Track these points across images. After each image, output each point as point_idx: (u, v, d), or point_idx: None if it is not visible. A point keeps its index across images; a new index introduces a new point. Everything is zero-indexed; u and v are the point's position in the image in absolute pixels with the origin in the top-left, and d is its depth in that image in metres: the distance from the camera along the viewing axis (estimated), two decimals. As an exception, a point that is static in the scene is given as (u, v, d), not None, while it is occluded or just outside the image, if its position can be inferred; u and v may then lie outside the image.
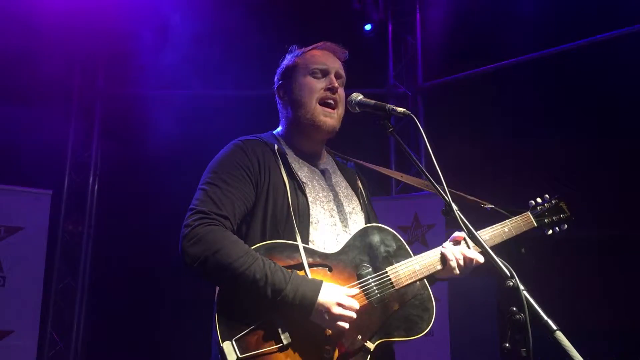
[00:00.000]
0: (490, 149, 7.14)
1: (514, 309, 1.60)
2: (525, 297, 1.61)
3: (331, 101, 2.36)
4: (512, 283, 1.63)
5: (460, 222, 1.86)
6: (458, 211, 1.88)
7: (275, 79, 2.51)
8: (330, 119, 2.35)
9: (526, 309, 1.58)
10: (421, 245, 6.18)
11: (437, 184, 1.95)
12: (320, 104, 2.35)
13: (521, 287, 1.63)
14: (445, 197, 1.93)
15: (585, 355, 1.55)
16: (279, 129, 2.52)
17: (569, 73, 6.67)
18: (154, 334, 6.74)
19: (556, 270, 6.47)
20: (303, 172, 2.35)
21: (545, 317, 1.59)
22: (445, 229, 6.09)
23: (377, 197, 6.71)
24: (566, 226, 2.62)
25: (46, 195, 6.42)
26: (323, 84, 2.37)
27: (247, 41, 6.44)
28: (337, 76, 2.41)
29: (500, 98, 7.00)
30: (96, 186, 7.47)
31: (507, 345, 1.58)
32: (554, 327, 1.57)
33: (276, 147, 2.32)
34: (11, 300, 5.96)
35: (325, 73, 2.39)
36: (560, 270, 6.61)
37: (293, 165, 2.32)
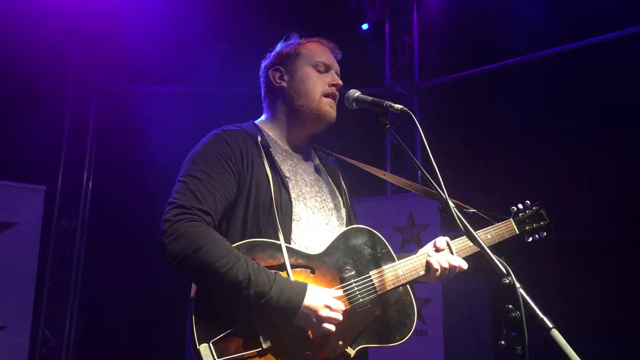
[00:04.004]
0: (486, 150, 7.14)
1: (510, 306, 1.59)
2: (521, 294, 1.60)
3: (335, 95, 2.37)
4: (508, 281, 1.63)
5: (457, 219, 1.85)
6: (455, 209, 1.87)
7: (268, 62, 2.43)
8: (334, 110, 2.35)
9: (522, 307, 1.58)
10: (416, 245, 6.18)
11: (434, 181, 1.94)
12: (324, 96, 2.34)
13: (517, 284, 1.62)
14: (442, 194, 1.91)
15: (578, 355, 1.55)
16: (263, 117, 2.45)
17: (568, 74, 6.68)
18: (148, 331, 6.71)
19: (550, 270, 6.48)
20: (287, 165, 2.29)
21: (541, 315, 1.58)
22: (440, 228, 6.09)
23: (371, 197, 6.76)
24: (545, 234, 2.60)
25: (40, 191, 6.38)
26: (327, 79, 2.35)
27: (244, 39, 6.43)
28: (337, 74, 2.41)
29: (496, 99, 7.01)
30: (90, 182, 7.45)
31: (503, 342, 1.58)
32: (550, 325, 1.56)
33: (259, 138, 2.24)
34: (4, 296, 5.92)
35: (327, 68, 2.37)
36: (554, 270, 6.62)
37: (276, 158, 2.26)
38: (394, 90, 7.54)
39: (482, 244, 1.79)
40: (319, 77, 2.35)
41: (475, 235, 1.84)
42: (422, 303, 6.06)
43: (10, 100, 6.42)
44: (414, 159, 2.06)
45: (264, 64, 2.46)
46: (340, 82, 2.37)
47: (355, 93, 2.28)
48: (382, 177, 2.57)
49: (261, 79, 2.46)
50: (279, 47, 2.44)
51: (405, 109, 2.07)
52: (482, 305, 6.55)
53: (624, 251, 6.74)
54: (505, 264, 1.67)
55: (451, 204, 1.89)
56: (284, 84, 2.36)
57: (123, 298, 6.71)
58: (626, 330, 6.47)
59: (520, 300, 1.59)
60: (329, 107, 2.33)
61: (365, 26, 7.59)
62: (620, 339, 6.39)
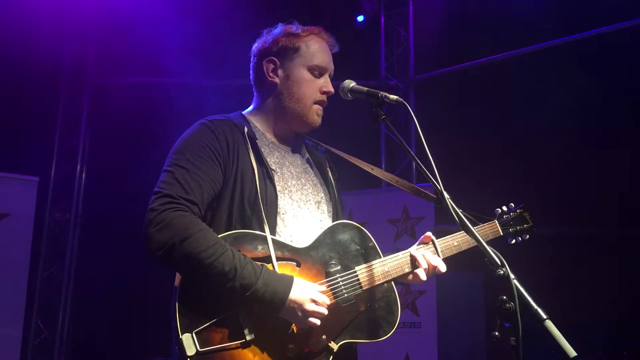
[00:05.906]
0: (481, 143, 7.15)
1: (504, 297, 1.59)
2: (516, 285, 1.60)
3: (324, 102, 2.35)
4: (502, 272, 1.63)
5: (452, 211, 1.84)
6: (450, 199, 1.86)
7: (264, 46, 2.34)
8: (320, 118, 2.34)
9: (516, 298, 1.57)
10: (410, 237, 6.18)
11: (429, 172, 1.92)
12: (314, 103, 2.31)
13: (511, 275, 1.62)
14: (437, 185, 1.90)
15: (572, 346, 1.55)
16: (251, 107, 2.41)
17: (567, 66, 6.66)
18: (141, 324, 6.70)
19: (541, 263, 6.50)
20: (273, 157, 2.27)
21: (535, 306, 1.58)
22: (434, 221, 6.09)
23: (366, 190, 6.75)
24: (528, 236, 2.63)
25: (33, 182, 6.35)
26: (320, 84, 2.32)
27: (239, 30, 6.39)
28: (330, 76, 2.38)
29: (492, 92, 7.01)
30: (84, 174, 7.42)
31: (497, 333, 1.58)
32: (544, 316, 1.56)
33: (246, 129, 2.21)
34: (-4, 288, 5.91)
35: (322, 72, 2.33)
36: (545, 263, 6.64)
37: (263, 150, 2.23)
38: (389, 82, 7.53)
39: (477, 235, 1.78)
40: (313, 82, 2.30)
41: (470, 227, 1.83)
42: (416, 295, 6.07)
43: (3, 90, 6.38)
44: (409, 149, 2.05)
45: (258, 45, 2.37)
46: (332, 90, 2.34)
47: (350, 83, 2.25)
48: (371, 171, 2.55)
49: (252, 61, 2.39)
50: (278, 31, 2.35)
51: (401, 99, 2.05)
52: (475, 297, 6.57)
53: (621, 246, 6.77)
54: (499, 255, 1.67)
55: (446, 195, 1.88)
56: (277, 80, 2.31)
57: (116, 290, 6.70)
58: (620, 324, 6.51)
59: (515, 291, 1.59)
60: (316, 115, 2.32)
61: (360, 18, 7.57)
62: (614, 331, 6.42)
